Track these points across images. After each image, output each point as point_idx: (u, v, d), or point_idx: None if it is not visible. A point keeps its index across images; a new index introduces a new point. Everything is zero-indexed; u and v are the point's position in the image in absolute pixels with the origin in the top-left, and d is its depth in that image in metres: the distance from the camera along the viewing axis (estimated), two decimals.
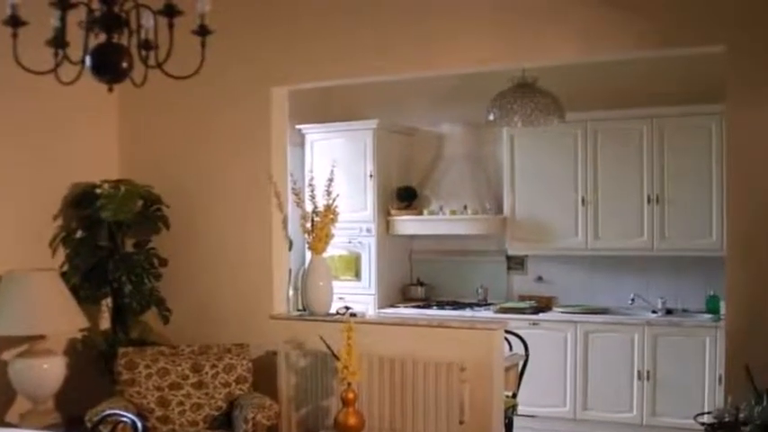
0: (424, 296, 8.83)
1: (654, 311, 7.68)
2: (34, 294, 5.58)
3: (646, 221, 7.69)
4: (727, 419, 4.54)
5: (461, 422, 5.48)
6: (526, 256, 8.53)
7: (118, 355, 5.82)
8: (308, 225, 6.09)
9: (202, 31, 3.57)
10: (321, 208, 6.07)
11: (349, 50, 6.09)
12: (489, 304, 8.38)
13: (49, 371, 5.64)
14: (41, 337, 5.66)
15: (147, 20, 3.56)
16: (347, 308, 6.39)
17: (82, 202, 6.36)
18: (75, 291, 6.00)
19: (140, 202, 6.34)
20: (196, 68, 3.62)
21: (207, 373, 5.76)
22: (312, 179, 6.27)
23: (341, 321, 5.55)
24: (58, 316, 5.69)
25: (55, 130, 6.30)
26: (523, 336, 6.64)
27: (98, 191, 6.27)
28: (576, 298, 8.20)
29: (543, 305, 8.18)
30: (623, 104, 7.81)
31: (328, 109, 8.95)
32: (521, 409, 6.58)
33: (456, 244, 8.80)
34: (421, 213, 8.62)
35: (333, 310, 6.26)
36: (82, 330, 6.21)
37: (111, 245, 6.34)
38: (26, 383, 5.61)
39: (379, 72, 6.20)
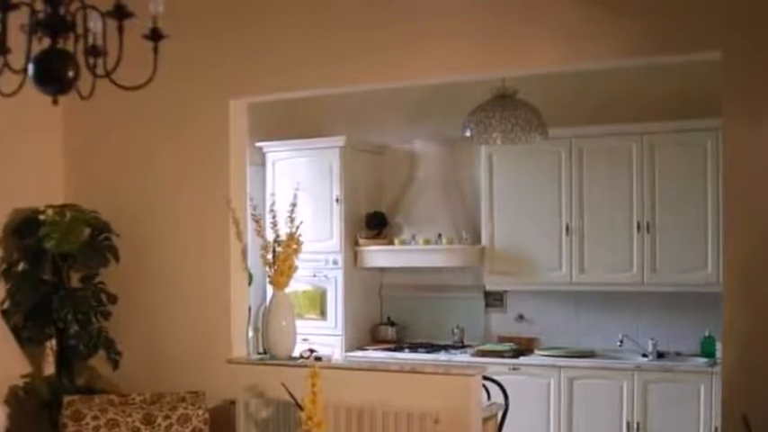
0: (395, 337, 8.77)
1: (644, 355, 7.66)
2: None
3: (635, 252, 7.67)
4: None
5: None
6: (505, 291, 8.48)
7: (63, 404, 5.66)
8: (270, 256, 5.95)
9: (155, 36, 3.49)
10: (283, 237, 5.91)
11: (313, 59, 6.01)
12: (466, 346, 8.35)
13: None
14: None
15: (95, 23, 3.47)
16: (312, 351, 6.27)
17: (24, 231, 6.24)
18: (16, 331, 5.85)
19: (87, 231, 6.17)
20: (148, 78, 3.52)
21: (160, 425, 5.64)
22: (274, 204, 6.15)
23: (305, 366, 5.41)
24: None
25: None
26: (503, 382, 6.52)
27: (42, 217, 6.13)
28: (560, 339, 8.17)
29: (524, 347, 8.14)
30: (611, 119, 7.80)
31: (291, 124, 8.90)
32: None
33: (430, 278, 8.75)
34: (392, 243, 8.57)
35: (296, 354, 6.13)
36: (24, 376, 6.11)
37: (56, 279, 6.22)
38: None
39: (346, 82, 6.13)
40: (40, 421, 6.08)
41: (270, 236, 6.00)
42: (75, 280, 6.34)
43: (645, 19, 5.16)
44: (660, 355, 7.59)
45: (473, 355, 7.99)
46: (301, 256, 6.06)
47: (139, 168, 6.57)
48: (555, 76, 6.99)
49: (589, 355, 7.80)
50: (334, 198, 8.48)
